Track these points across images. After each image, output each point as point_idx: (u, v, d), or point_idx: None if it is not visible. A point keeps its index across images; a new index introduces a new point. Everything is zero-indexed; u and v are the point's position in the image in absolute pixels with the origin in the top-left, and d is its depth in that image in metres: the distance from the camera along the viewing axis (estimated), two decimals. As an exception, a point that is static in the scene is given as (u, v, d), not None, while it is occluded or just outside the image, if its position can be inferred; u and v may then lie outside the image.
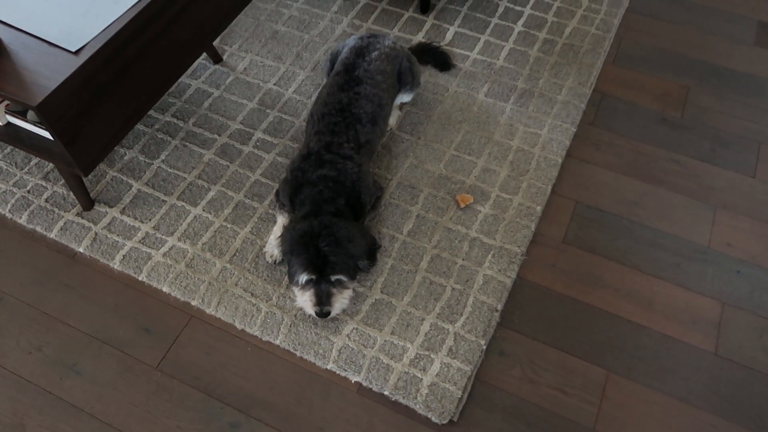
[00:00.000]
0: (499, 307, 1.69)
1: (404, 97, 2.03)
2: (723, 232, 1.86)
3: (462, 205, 1.88)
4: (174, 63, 1.86)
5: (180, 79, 2.22)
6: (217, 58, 2.27)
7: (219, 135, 2.07)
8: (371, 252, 1.71)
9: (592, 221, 1.88)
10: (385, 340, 1.63)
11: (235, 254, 1.80)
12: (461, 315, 1.67)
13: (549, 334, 1.66)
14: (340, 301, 1.61)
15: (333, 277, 1.57)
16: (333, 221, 1.60)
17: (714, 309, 1.70)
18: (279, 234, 1.76)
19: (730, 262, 1.79)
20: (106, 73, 1.57)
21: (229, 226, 1.85)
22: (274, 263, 1.77)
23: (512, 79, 2.23)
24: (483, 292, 1.71)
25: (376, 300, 1.70)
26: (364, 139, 1.77)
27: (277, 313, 1.68)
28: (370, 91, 1.79)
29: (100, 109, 1.60)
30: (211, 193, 1.93)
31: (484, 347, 1.62)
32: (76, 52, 1.50)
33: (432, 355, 1.60)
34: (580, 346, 1.64)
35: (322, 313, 1.59)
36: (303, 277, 1.57)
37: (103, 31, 1.56)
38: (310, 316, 1.65)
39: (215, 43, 2.34)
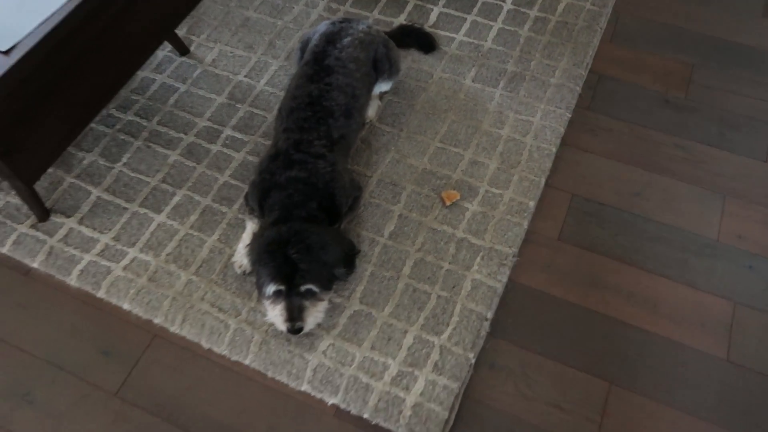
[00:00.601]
0: (489, 315, 1.55)
1: (383, 86, 1.87)
2: (733, 223, 1.70)
3: (448, 203, 1.73)
4: (128, 57, 1.71)
5: (143, 74, 2.07)
6: (183, 50, 2.11)
7: (185, 134, 1.92)
8: (349, 258, 1.56)
9: (590, 216, 1.73)
10: (365, 357, 1.49)
11: (201, 265, 1.65)
12: (447, 325, 1.53)
13: (544, 344, 1.52)
14: (314, 315, 1.47)
15: (303, 287, 1.43)
16: (304, 227, 1.46)
17: (725, 309, 1.56)
18: (248, 242, 1.62)
19: (741, 257, 1.64)
20: (45, 73, 1.42)
21: (195, 233, 1.71)
22: (244, 274, 1.62)
23: (501, 62, 2.06)
24: (471, 298, 1.57)
25: (354, 312, 1.56)
26: (338, 135, 1.61)
27: (247, 329, 1.54)
28: (342, 81, 1.64)
29: (40, 113, 1.45)
30: (176, 198, 1.78)
31: (473, 361, 1.48)
32: (7, 52, 1.35)
33: (416, 372, 1.46)
34: (579, 356, 1.50)
35: (294, 330, 1.45)
36: (271, 288, 1.43)
37: (39, 26, 1.40)
38: (282, 332, 1.51)
39: (181, 33, 2.17)
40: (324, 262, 1.46)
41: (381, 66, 1.78)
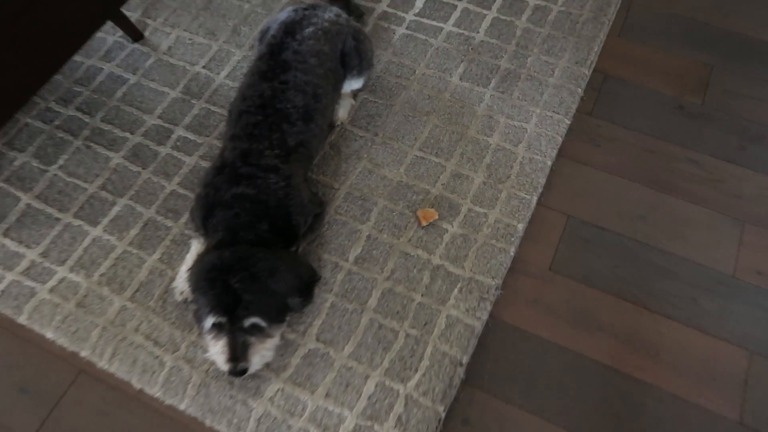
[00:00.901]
0: (465, 359, 1.33)
1: (353, 84, 1.63)
2: (752, 255, 1.48)
3: (424, 223, 1.51)
4: (59, 41, 1.48)
5: (90, 62, 1.83)
6: (136, 35, 1.87)
7: (131, 133, 1.69)
8: (307, 286, 1.35)
9: (587, 242, 1.51)
10: (317, 406, 1.28)
11: (138, 289, 1.44)
12: (416, 371, 1.32)
13: (527, 396, 1.31)
14: (261, 353, 1.26)
15: (247, 321, 1.22)
16: (250, 252, 1.25)
17: (739, 360, 1.34)
18: (192, 264, 1.40)
19: (760, 297, 1.42)
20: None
21: (134, 251, 1.50)
22: (185, 302, 1.41)
23: (494, 57, 1.82)
24: (445, 339, 1.36)
25: (309, 350, 1.35)
26: (295, 142, 1.39)
27: (185, 368, 1.34)
28: (300, 78, 1.41)
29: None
30: (116, 209, 1.56)
31: (443, 415, 1.27)
32: None
33: (376, 427, 1.26)
34: (566, 412, 1.29)
35: (236, 372, 1.24)
36: (209, 321, 1.23)
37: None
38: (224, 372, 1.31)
39: (136, 16, 1.93)
40: (273, 291, 1.25)
41: (349, 61, 1.55)
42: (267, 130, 1.36)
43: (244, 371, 1.24)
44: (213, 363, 1.32)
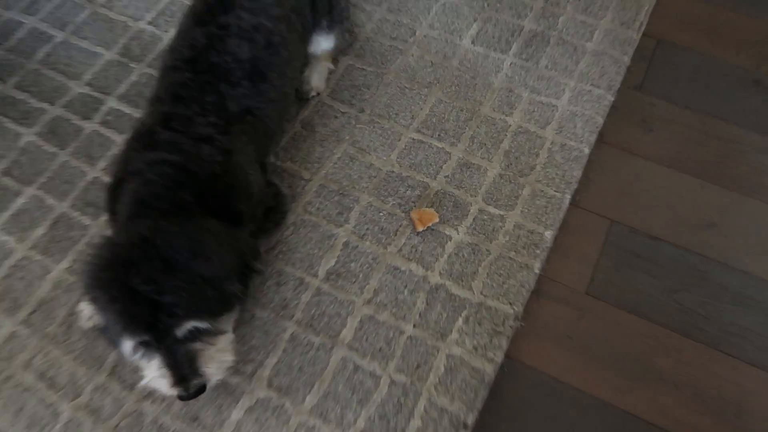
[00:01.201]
0: (471, 419, 0.97)
1: (323, 43, 1.27)
2: None
3: (420, 228, 1.14)
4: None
5: (8, 15, 1.48)
6: (70, -17, 1.50)
7: (51, 103, 1.34)
8: (244, 270, 0.96)
9: (636, 257, 1.13)
10: (264, 483, 0.93)
11: (36, 309, 1.10)
12: (402, 435, 0.96)
13: (556, 474, 0.94)
14: (216, 359, 0.89)
15: (180, 330, 0.84)
16: (156, 226, 0.87)
17: None
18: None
19: None
20: None
21: (37, 257, 1.15)
22: (95, 330, 1.05)
23: (516, 15, 1.44)
24: (444, 389, 0.99)
25: (258, 401, 1.00)
26: (239, 108, 1.03)
27: (86, 422, 0.98)
28: (247, 21, 1.05)
29: None
30: (19, 201, 1.21)
31: (438, 502, 0.91)
32: None
33: None
34: (612, 500, 0.92)
35: (190, 394, 0.88)
36: (127, 344, 0.85)
37: None
38: (143, 422, 0.95)
39: (71, -40, 1.56)
40: (202, 276, 0.86)
41: (319, 6, 1.18)
42: (198, 92, 0.99)
43: (201, 389, 0.88)
44: (131, 413, 0.96)
